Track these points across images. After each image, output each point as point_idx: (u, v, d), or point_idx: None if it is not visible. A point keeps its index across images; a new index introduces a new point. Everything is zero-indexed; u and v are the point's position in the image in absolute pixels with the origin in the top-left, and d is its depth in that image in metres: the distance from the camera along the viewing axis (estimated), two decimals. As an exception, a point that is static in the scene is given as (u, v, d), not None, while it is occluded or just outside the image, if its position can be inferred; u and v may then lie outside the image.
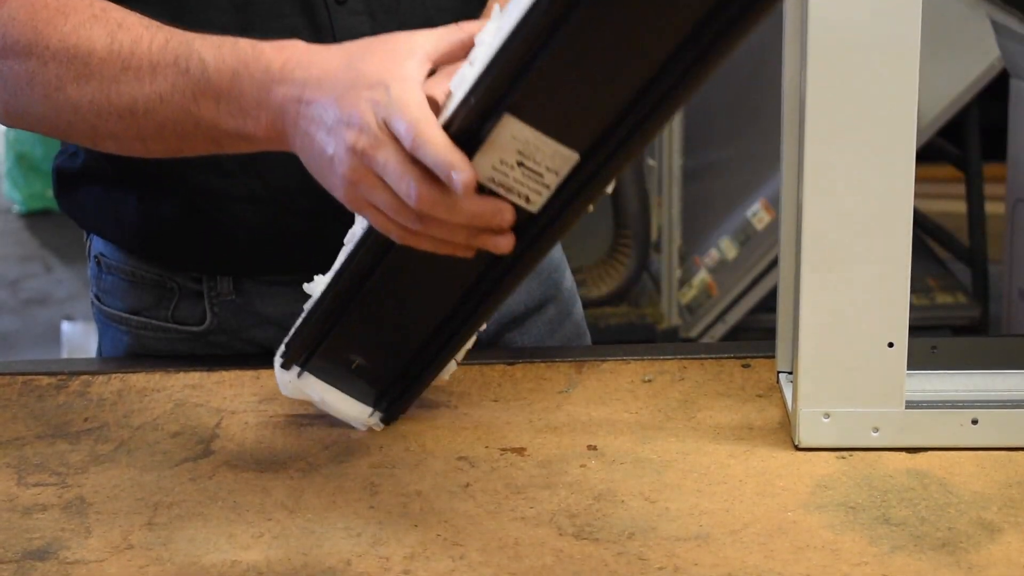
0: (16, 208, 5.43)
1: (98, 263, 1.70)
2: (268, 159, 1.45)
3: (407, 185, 1.14)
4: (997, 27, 3.18)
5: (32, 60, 1.36)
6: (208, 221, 1.60)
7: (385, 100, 1.16)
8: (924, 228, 3.84)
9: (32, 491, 1.32)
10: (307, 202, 1.53)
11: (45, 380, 1.58)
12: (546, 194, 1.18)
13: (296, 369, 1.41)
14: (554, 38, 1.12)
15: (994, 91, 3.36)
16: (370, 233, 1.30)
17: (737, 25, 1.13)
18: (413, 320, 1.38)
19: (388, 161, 1.15)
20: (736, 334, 3.46)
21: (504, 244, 1.18)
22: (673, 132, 3.39)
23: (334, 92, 1.19)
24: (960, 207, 3.75)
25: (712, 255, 3.49)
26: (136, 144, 1.38)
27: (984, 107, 3.47)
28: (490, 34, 1.18)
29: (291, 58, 1.24)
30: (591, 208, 1.24)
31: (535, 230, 1.22)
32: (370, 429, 1.46)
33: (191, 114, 1.29)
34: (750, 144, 3.61)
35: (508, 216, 1.17)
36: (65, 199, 1.69)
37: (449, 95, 1.18)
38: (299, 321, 1.40)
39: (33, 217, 5.34)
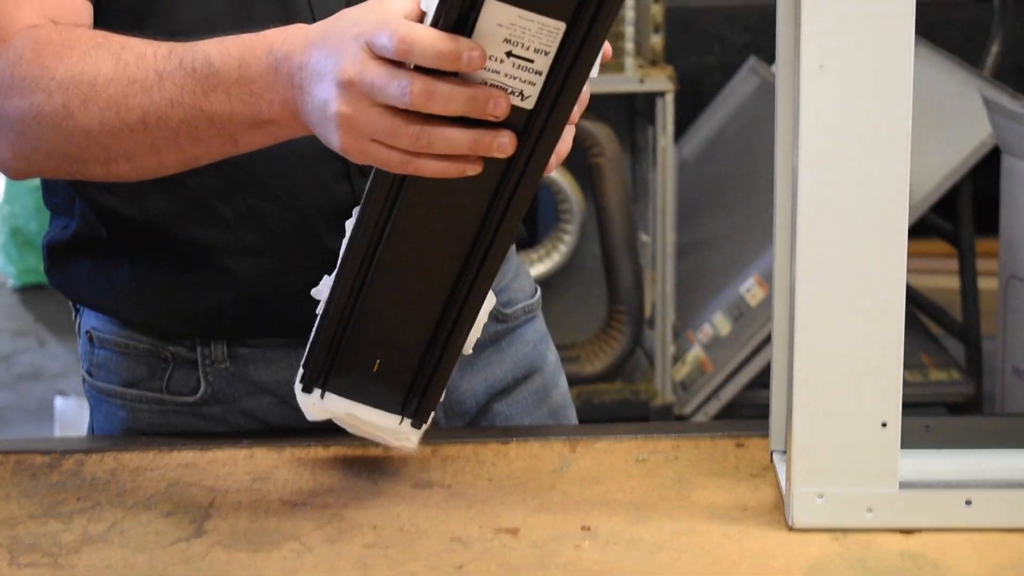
0: (10, 282, 5.43)
1: (89, 338, 1.69)
2: (267, 207, 1.45)
3: (399, 85, 1.14)
4: (988, 104, 3.19)
5: (38, 93, 1.37)
6: (203, 279, 1.60)
7: (367, 27, 1.17)
8: (917, 304, 3.85)
9: (25, 571, 1.31)
10: (304, 256, 1.54)
11: (39, 459, 1.57)
12: (539, 82, 1.18)
13: (318, 390, 1.40)
14: None
15: (986, 166, 3.37)
16: (369, 202, 1.29)
17: None
18: (425, 292, 1.36)
19: (376, 75, 1.15)
20: (730, 411, 3.46)
21: (507, 141, 1.18)
22: (667, 207, 3.40)
23: (326, 43, 1.20)
24: (953, 282, 3.75)
25: (706, 331, 3.49)
26: (151, 159, 1.38)
27: (977, 182, 3.48)
28: None
29: (291, 35, 1.26)
30: (585, 96, 1.24)
31: (534, 129, 1.21)
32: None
33: (204, 112, 1.30)
34: (743, 218, 3.62)
35: (503, 101, 1.17)
36: (56, 274, 1.69)
37: (421, 11, 1.18)
38: (313, 335, 1.39)
39: (27, 291, 5.34)
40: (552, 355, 1.81)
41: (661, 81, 3.32)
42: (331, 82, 1.18)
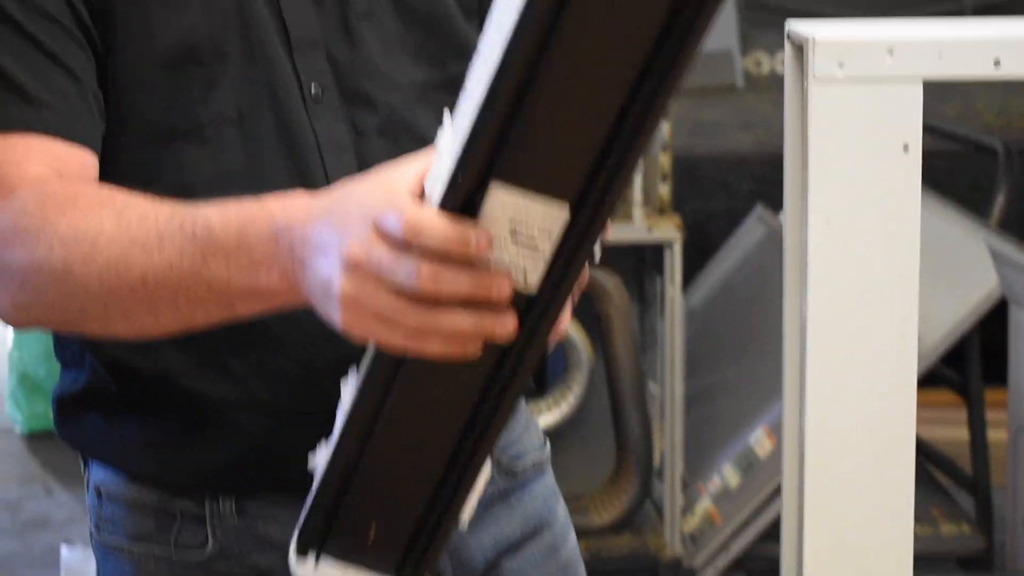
0: (17, 429, 5.44)
1: (98, 493, 1.68)
2: (276, 362, 1.45)
3: (406, 269, 1.13)
4: (995, 255, 3.21)
5: (40, 247, 1.37)
6: (212, 434, 1.60)
7: (373, 206, 1.17)
8: (927, 455, 3.83)
9: None
10: (313, 410, 1.51)
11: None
12: (542, 266, 1.18)
13: (312, 556, 1.39)
14: (524, 97, 1.13)
15: (994, 317, 3.39)
16: (370, 376, 1.29)
17: (692, 36, 1.13)
18: (424, 460, 1.35)
19: (383, 258, 1.14)
20: (740, 564, 3.44)
21: (509, 325, 1.17)
22: (676, 357, 3.41)
23: (330, 219, 1.20)
24: (962, 433, 3.75)
25: (715, 482, 3.48)
26: (149, 319, 1.38)
27: (984, 332, 3.49)
28: (451, 128, 1.20)
29: (293, 204, 1.25)
30: (584, 278, 1.25)
31: (536, 312, 1.21)
32: None
33: (202, 277, 1.30)
34: (752, 368, 3.63)
35: (506, 286, 1.16)
36: (66, 428, 1.69)
37: (426, 195, 1.19)
38: (309, 500, 1.37)
39: (34, 438, 5.34)
40: (561, 510, 1.80)
41: (669, 230, 3.34)
42: (336, 260, 1.18)
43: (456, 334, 1.17)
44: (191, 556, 1.64)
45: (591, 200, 1.16)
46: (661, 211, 3.38)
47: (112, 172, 1.55)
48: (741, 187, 4.19)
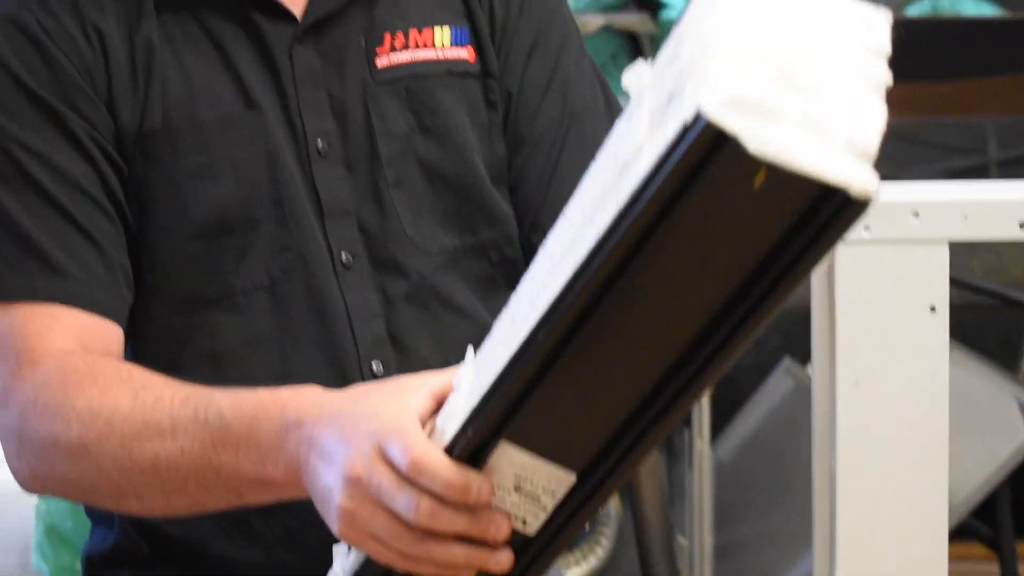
0: None
1: None
2: (305, 529, 1.46)
3: (406, 500, 1.14)
4: (1024, 409, 3.22)
5: (58, 422, 1.40)
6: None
7: (381, 428, 1.17)
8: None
9: None
10: None
11: None
12: (543, 516, 1.19)
13: None
14: (549, 370, 1.13)
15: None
16: (364, 570, 1.29)
17: (730, 342, 1.12)
18: None
19: (383, 483, 1.15)
20: None
21: (504, 560, 1.17)
22: (704, 510, 3.41)
23: (340, 426, 1.21)
24: (995, 587, 3.73)
25: (746, 636, 3.46)
26: (158, 500, 1.40)
27: (1016, 485, 3.48)
28: (473, 365, 1.21)
29: (306, 401, 1.27)
30: (587, 528, 1.25)
31: (532, 551, 1.21)
32: None
33: (211, 464, 1.32)
34: (781, 521, 3.61)
35: (505, 528, 1.17)
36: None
37: (437, 429, 1.19)
38: None
39: None
40: None
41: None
42: (338, 472, 1.19)
43: (449, 564, 1.19)
44: None
45: (600, 472, 1.17)
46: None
47: (145, 337, 1.59)
48: (770, 341, 4.21)
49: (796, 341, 4.10)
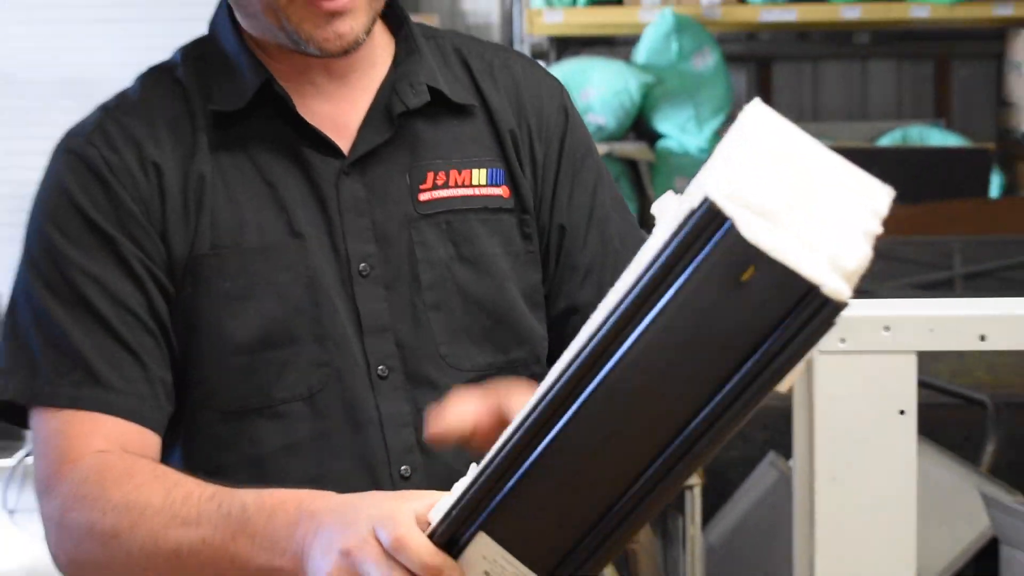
0: None
1: None
2: None
3: (384, 573, 1.16)
4: (986, 499, 3.21)
5: (95, 512, 1.41)
6: None
7: (378, 514, 1.20)
8: None
9: None
10: None
11: None
12: None
13: None
14: (526, 474, 1.14)
15: (986, 555, 3.36)
16: None
17: (696, 454, 1.13)
18: None
19: (369, 557, 1.17)
20: None
21: None
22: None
23: (344, 514, 1.23)
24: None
25: None
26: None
27: (978, 569, 3.46)
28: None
29: (320, 497, 1.29)
30: None
31: None
32: None
33: (228, 552, 1.32)
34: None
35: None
36: None
37: (428, 523, 1.20)
38: None
39: None
40: None
41: (690, 477, 3.35)
42: (333, 549, 1.21)
43: None
44: None
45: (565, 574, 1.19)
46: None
47: (193, 443, 1.60)
48: (756, 436, 4.20)
49: (780, 437, 4.11)
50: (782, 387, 1.14)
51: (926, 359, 1.27)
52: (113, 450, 1.49)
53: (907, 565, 1.30)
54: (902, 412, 1.27)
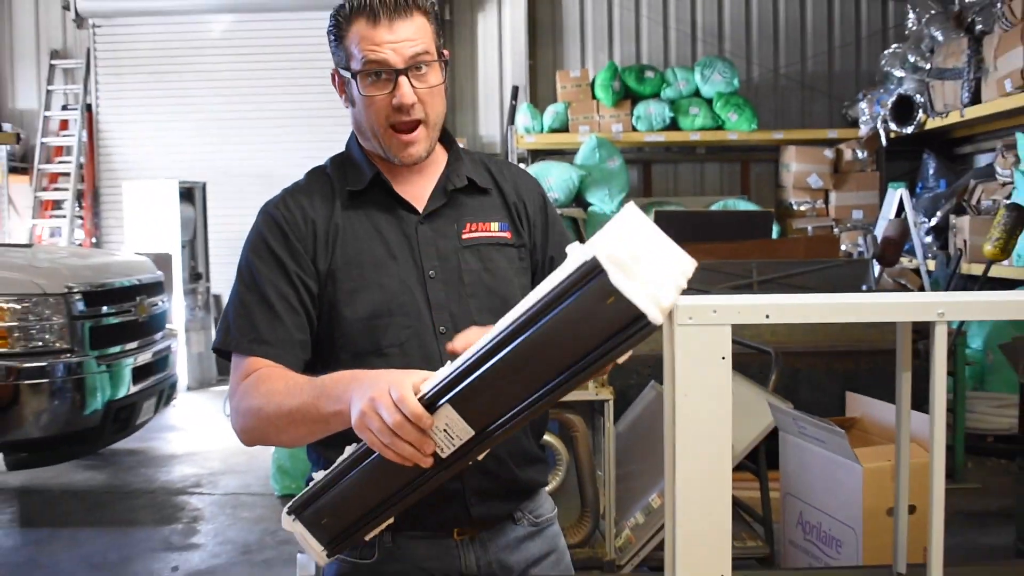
0: (276, 492, 5.26)
1: None
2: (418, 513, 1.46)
3: (390, 414, 1.19)
4: (771, 406, 3.23)
5: (254, 400, 1.44)
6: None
7: (392, 380, 1.23)
8: (739, 506, 3.75)
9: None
10: (452, 485, 1.52)
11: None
12: (451, 449, 1.22)
13: (293, 516, 1.37)
14: (477, 378, 1.17)
15: (771, 436, 3.37)
16: (360, 451, 1.31)
17: (596, 365, 1.14)
18: (367, 499, 1.34)
19: (382, 404, 1.20)
20: (644, 562, 3.37)
21: (426, 463, 1.22)
22: (611, 458, 3.37)
23: (374, 381, 1.26)
24: (757, 494, 3.66)
25: (631, 521, 3.42)
26: (295, 434, 1.40)
27: (768, 443, 3.46)
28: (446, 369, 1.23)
29: (363, 373, 1.31)
30: (480, 457, 1.25)
31: (442, 465, 1.25)
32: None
33: (315, 407, 1.34)
34: (651, 463, 3.59)
35: (429, 448, 1.21)
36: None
37: (421, 389, 1.22)
38: (306, 492, 1.37)
39: (284, 497, 5.18)
40: (562, 541, 1.76)
41: (606, 394, 3.35)
42: (365, 397, 1.23)
43: (399, 455, 1.22)
44: (363, 562, 1.60)
45: (487, 434, 1.22)
46: (603, 384, 3.39)
47: (329, 330, 1.58)
48: (644, 371, 4.19)
49: (657, 372, 4.10)
50: (620, 360, 1.19)
51: (737, 328, 1.27)
52: (270, 365, 1.50)
53: (726, 443, 1.29)
54: (723, 358, 1.26)
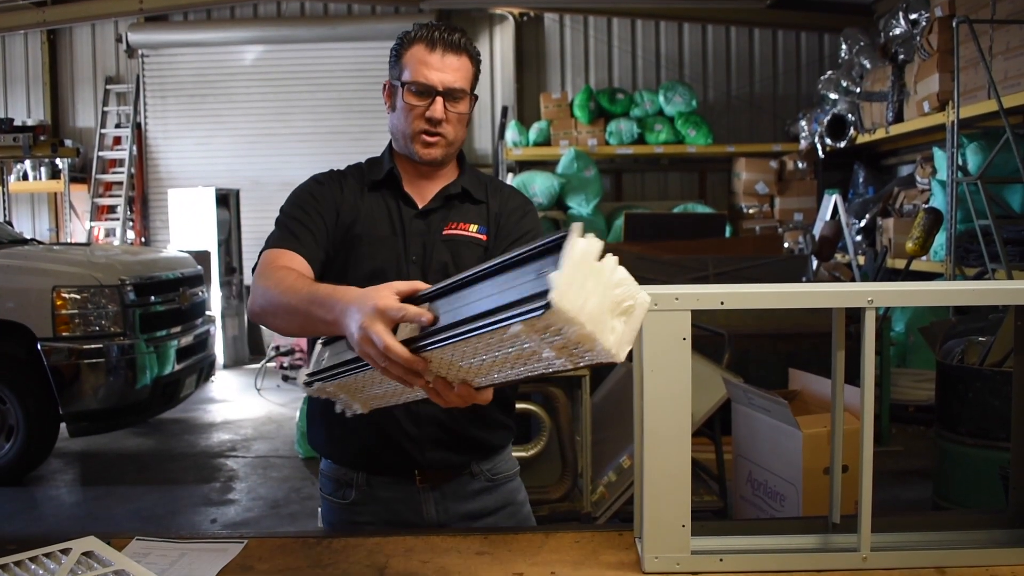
0: (300, 455, 5.28)
1: (321, 472, 1.69)
2: (385, 418, 1.47)
3: (381, 341, 1.10)
4: (725, 380, 3.22)
5: (270, 290, 1.39)
6: (354, 440, 1.59)
7: (379, 295, 1.15)
8: (697, 466, 3.75)
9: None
10: (411, 431, 1.54)
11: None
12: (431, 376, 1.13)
13: (308, 382, 1.32)
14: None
15: (725, 408, 3.36)
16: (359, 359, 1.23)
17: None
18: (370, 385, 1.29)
19: (375, 329, 1.11)
20: (616, 514, 3.36)
21: (418, 384, 1.13)
22: (587, 424, 3.36)
23: (363, 297, 1.17)
24: (712, 456, 3.67)
25: (606, 479, 3.42)
26: (293, 321, 1.35)
27: (723, 413, 3.44)
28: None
29: (354, 289, 1.23)
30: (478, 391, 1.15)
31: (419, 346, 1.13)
32: None
33: (310, 309, 1.28)
34: (623, 428, 3.58)
35: (420, 366, 1.11)
36: (309, 432, 1.70)
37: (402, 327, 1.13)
38: (318, 367, 1.32)
39: (308, 460, 5.13)
40: (521, 496, 1.71)
41: (583, 371, 3.34)
42: (356, 321, 1.15)
43: (391, 374, 1.14)
44: (345, 502, 1.63)
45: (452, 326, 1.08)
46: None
47: (338, 280, 1.52)
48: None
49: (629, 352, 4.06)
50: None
51: (696, 314, 1.26)
52: (286, 264, 1.48)
53: (686, 412, 1.28)
54: (684, 339, 1.25)
